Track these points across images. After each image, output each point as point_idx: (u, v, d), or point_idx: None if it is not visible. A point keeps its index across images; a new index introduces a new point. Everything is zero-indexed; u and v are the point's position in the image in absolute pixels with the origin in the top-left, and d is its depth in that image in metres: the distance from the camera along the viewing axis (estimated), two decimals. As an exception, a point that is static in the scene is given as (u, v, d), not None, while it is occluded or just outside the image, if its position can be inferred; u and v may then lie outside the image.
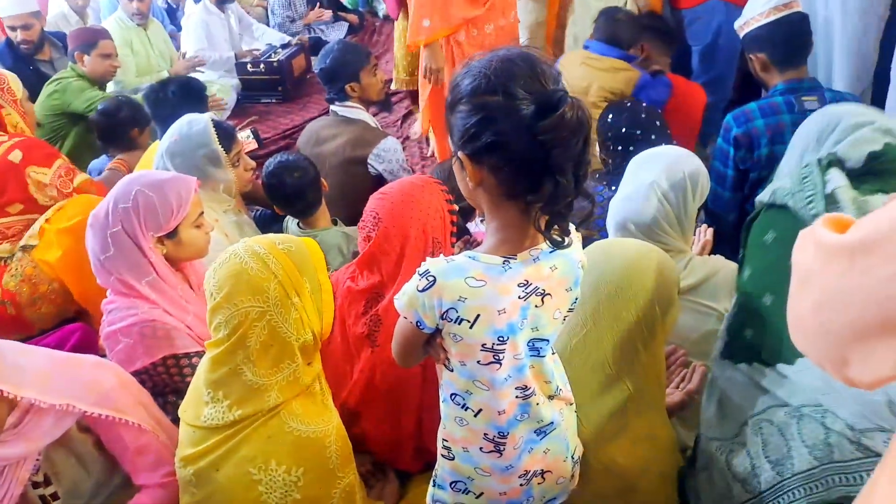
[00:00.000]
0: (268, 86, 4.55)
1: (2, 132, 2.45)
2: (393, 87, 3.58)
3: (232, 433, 1.27)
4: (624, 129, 2.16)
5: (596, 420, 1.35)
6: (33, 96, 3.28)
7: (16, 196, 2.32)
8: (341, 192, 2.59)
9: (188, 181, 1.74)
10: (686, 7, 3.21)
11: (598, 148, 2.28)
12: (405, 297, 1.09)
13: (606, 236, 1.82)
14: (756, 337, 1.37)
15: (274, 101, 4.55)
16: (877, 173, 1.35)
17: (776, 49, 2.17)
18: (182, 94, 2.76)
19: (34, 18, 3.66)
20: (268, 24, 5.49)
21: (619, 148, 2.15)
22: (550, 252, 1.07)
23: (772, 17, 2.16)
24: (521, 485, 1.21)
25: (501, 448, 1.17)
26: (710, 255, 1.96)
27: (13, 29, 3.61)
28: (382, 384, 1.65)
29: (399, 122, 4.02)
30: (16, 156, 2.30)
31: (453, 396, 1.17)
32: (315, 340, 1.33)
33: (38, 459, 1.34)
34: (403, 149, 3.00)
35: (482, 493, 1.23)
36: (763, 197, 1.45)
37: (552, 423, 1.20)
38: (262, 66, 4.50)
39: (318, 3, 5.59)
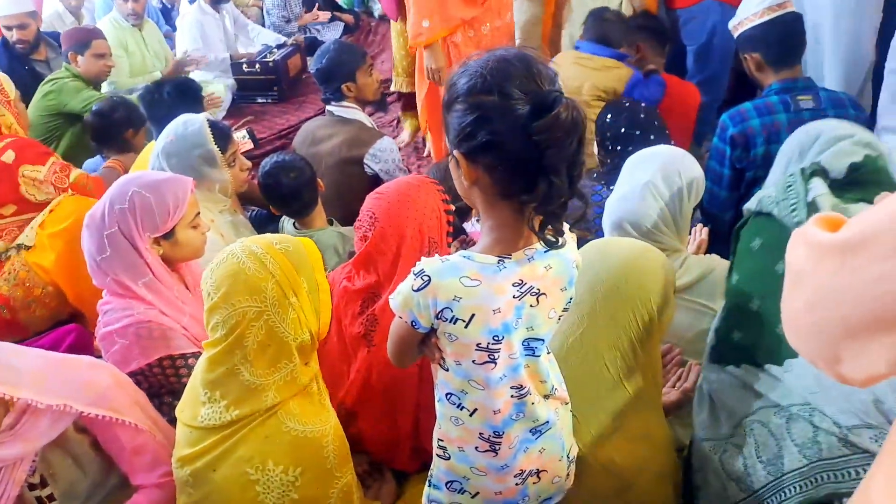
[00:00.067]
0: (263, 86, 4.55)
1: (-4, 133, 2.45)
2: (393, 88, 3.58)
3: (229, 433, 1.27)
4: (623, 129, 2.17)
5: (593, 419, 1.35)
6: (29, 96, 3.28)
7: (8, 197, 2.31)
8: (337, 192, 2.59)
9: (185, 182, 1.74)
10: (681, 7, 3.22)
11: (595, 147, 2.29)
12: (400, 297, 1.10)
13: (603, 236, 1.83)
14: (744, 339, 1.40)
15: (270, 101, 4.55)
16: (859, 183, 1.39)
17: (771, 49, 2.18)
18: (178, 94, 2.75)
19: (30, 18, 3.65)
20: (263, 25, 5.48)
21: (618, 148, 2.15)
22: (545, 252, 1.07)
23: (766, 17, 2.17)
24: (516, 484, 1.21)
25: (497, 447, 1.17)
26: (705, 254, 1.97)
27: (9, 28, 3.59)
28: (379, 384, 1.65)
29: (395, 122, 4.03)
30: (8, 156, 2.30)
31: (448, 396, 1.17)
32: (312, 340, 1.33)
33: (34, 461, 1.33)
34: (399, 149, 3.00)
35: (478, 493, 1.23)
36: (750, 205, 1.48)
37: (547, 422, 1.20)
38: (257, 66, 4.50)
39: (315, 5, 5.59)
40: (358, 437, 1.68)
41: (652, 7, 3.18)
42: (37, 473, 1.35)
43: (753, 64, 2.24)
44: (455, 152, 1.04)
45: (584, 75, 2.65)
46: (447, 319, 1.06)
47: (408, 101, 3.61)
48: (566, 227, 1.07)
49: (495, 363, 1.10)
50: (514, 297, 1.06)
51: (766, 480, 1.26)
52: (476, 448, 1.18)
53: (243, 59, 4.56)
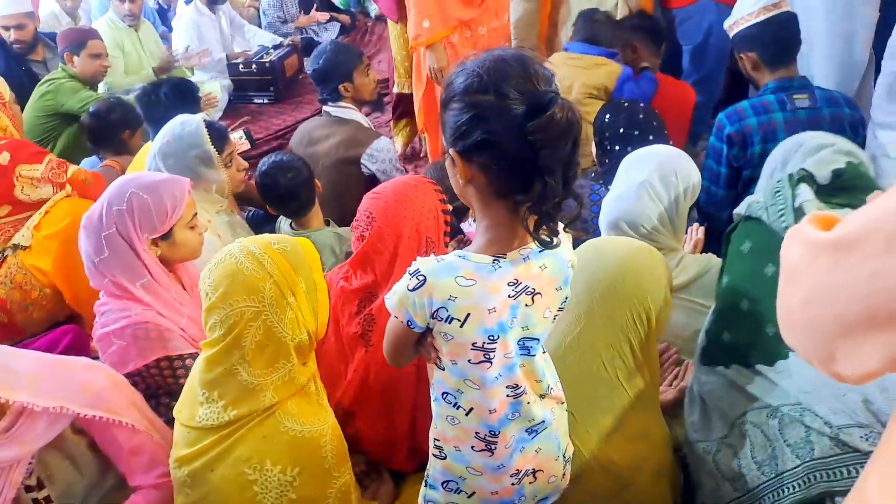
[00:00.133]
0: (260, 86, 4.55)
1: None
2: (396, 90, 3.58)
3: (227, 433, 1.27)
4: (622, 129, 2.18)
5: (591, 418, 1.36)
6: (26, 97, 3.28)
7: (3, 199, 2.30)
8: (334, 192, 2.59)
9: (182, 182, 1.74)
10: (677, 7, 3.23)
11: (592, 147, 2.29)
12: (396, 297, 1.10)
13: (600, 235, 1.83)
14: (734, 340, 1.42)
15: (266, 101, 4.55)
16: (844, 189, 1.42)
17: (766, 48, 2.19)
18: (175, 95, 2.75)
19: (28, 19, 3.65)
20: (259, 26, 5.48)
21: (617, 148, 2.16)
22: (540, 251, 1.08)
23: (761, 17, 2.19)
24: (512, 484, 1.21)
25: (493, 447, 1.17)
26: (701, 253, 1.98)
27: (6, 29, 3.59)
28: (376, 384, 1.65)
29: (391, 122, 4.02)
30: (3, 158, 2.29)
31: (444, 395, 1.17)
32: (310, 340, 1.33)
33: (31, 463, 1.33)
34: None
35: (474, 493, 1.23)
36: (740, 210, 1.52)
37: (543, 421, 1.20)
38: (254, 66, 4.50)
39: (314, 6, 5.59)
40: (355, 437, 1.68)
41: (648, 7, 3.19)
42: (34, 475, 1.34)
43: (749, 63, 2.25)
44: (451, 151, 1.04)
45: (573, 75, 2.67)
46: (443, 319, 1.06)
47: (402, 112, 3.61)
48: (561, 226, 1.08)
49: (491, 362, 1.10)
50: (509, 296, 1.07)
51: (760, 481, 1.28)
52: (472, 447, 1.18)
53: (239, 60, 4.55)
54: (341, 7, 5.91)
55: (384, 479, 1.73)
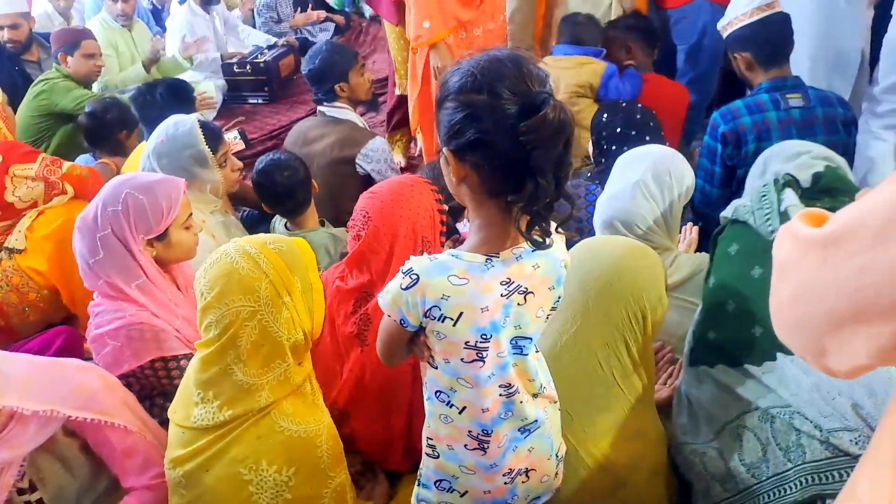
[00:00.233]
0: (254, 86, 4.54)
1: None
2: (398, 91, 3.58)
3: (222, 433, 1.27)
4: (619, 129, 2.19)
5: (587, 417, 1.36)
6: (19, 97, 3.27)
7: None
8: (329, 192, 2.59)
9: (177, 182, 1.73)
10: (672, 7, 3.24)
11: (589, 147, 2.30)
12: (389, 296, 1.10)
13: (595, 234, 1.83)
14: (719, 338, 1.44)
15: (261, 101, 4.54)
16: (827, 192, 1.47)
17: (760, 48, 2.20)
18: (170, 95, 2.74)
19: (22, 19, 3.64)
20: (253, 26, 5.47)
21: (613, 147, 2.16)
22: (533, 251, 1.08)
23: (755, 17, 2.20)
24: (505, 483, 1.22)
25: (486, 446, 1.18)
26: (695, 252, 1.98)
27: (0, 28, 3.57)
28: (372, 383, 1.65)
29: (385, 122, 4.02)
30: None
31: (438, 394, 1.17)
32: (306, 340, 1.33)
33: (22, 465, 1.32)
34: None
35: (466, 492, 1.23)
36: (727, 213, 1.55)
37: (536, 421, 1.20)
38: (248, 66, 4.49)
39: (308, 6, 5.58)
40: (351, 437, 1.68)
41: (642, 7, 3.20)
42: (25, 478, 1.34)
43: (743, 63, 2.26)
44: (444, 149, 1.05)
45: (559, 76, 2.71)
46: (435, 318, 1.07)
47: (398, 122, 3.60)
48: (553, 226, 1.08)
49: (483, 361, 1.10)
50: (501, 295, 1.07)
51: (751, 483, 1.30)
52: (465, 446, 1.19)
53: (234, 60, 4.54)
54: (336, 7, 5.91)
55: (379, 479, 1.73)
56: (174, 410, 1.35)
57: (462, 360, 1.11)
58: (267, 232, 2.32)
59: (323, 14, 5.58)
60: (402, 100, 3.48)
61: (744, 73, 2.30)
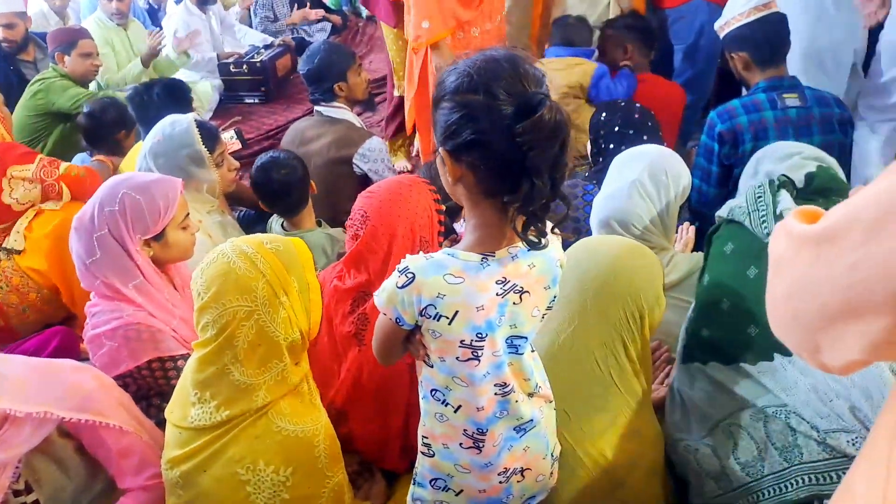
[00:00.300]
0: (251, 86, 4.54)
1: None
2: (396, 92, 3.58)
3: (219, 434, 1.27)
4: (617, 129, 2.19)
5: (584, 416, 1.36)
6: (14, 97, 3.26)
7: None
8: (326, 191, 2.59)
9: (174, 182, 1.73)
10: (669, 6, 3.25)
11: (588, 146, 2.30)
12: (385, 294, 1.10)
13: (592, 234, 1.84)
14: (713, 335, 1.45)
15: (257, 101, 4.54)
16: (822, 193, 1.49)
17: (757, 48, 2.21)
18: (166, 95, 2.74)
19: (18, 18, 3.63)
20: (250, 26, 5.47)
21: (611, 147, 2.17)
22: (528, 250, 1.08)
23: (752, 17, 2.21)
24: (500, 482, 1.22)
25: (481, 445, 1.18)
26: (692, 251, 1.99)
27: (-4, 27, 3.58)
28: (370, 383, 1.65)
29: (383, 122, 4.02)
30: None
31: (433, 392, 1.18)
32: (303, 340, 1.33)
33: (18, 466, 1.32)
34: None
35: (462, 491, 1.23)
36: (722, 213, 1.56)
37: (531, 420, 1.20)
38: (245, 66, 4.49)
39: (306, 4, 5.58)
40: (348, 436, 1.68)
41: (640, 7, 3.20)
42: (21, 479, 1.33)
43: (740, 63, 2.27)
44: (441, 149, 1.05)
45: (551, 78, 2.69)
46: (431, 316, 1.07)
47: (398, 126, 3.60)
48: (549, 227, 1.08)
49: (479, 360, 1.11)
50: (497, 294, 1.07)
51: (745, 481, 1.30)
52: (460, 445, 1.19)
53: (230, 60, 4.54)
54: (332, 7, 5.90)
55: (377, 479, 1.73)
56: (171, 411, 1.35)
57: (457, 358, 1.11)
58: (263, 232, 2.31)
59: (321, 13, 5.58)
60: (400, 106, 3.48)
61: (741, 73, 2.31)
